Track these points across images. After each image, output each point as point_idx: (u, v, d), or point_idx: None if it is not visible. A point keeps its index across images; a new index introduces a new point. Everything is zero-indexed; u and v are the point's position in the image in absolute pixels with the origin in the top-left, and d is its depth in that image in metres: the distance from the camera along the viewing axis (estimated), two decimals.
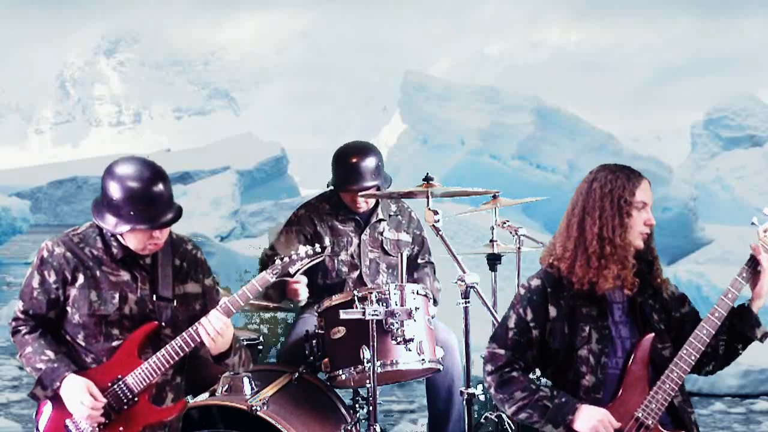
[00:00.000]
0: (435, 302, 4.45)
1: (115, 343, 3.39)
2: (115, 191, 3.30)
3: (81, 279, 3.38)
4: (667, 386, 3.14)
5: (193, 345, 3.37)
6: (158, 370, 3.36)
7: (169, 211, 3.34)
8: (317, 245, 3.49)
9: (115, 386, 3.35)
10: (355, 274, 4.59)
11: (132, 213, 3.28)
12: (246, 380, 3.98)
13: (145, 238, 3.34)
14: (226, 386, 3.98)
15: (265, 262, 4.58)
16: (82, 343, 3.40)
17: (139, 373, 3.35)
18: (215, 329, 3.33)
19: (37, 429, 3.43)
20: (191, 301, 3.50)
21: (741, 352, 3.30)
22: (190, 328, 3.37)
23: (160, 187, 3.32)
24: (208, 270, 3.59)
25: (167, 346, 3.37)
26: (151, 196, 3.29)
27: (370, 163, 4.56)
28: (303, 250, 3.47)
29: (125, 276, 3.41)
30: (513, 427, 4.43)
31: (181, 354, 3.37)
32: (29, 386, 3.44)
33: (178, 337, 3.37)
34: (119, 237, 3.38)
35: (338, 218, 4.64)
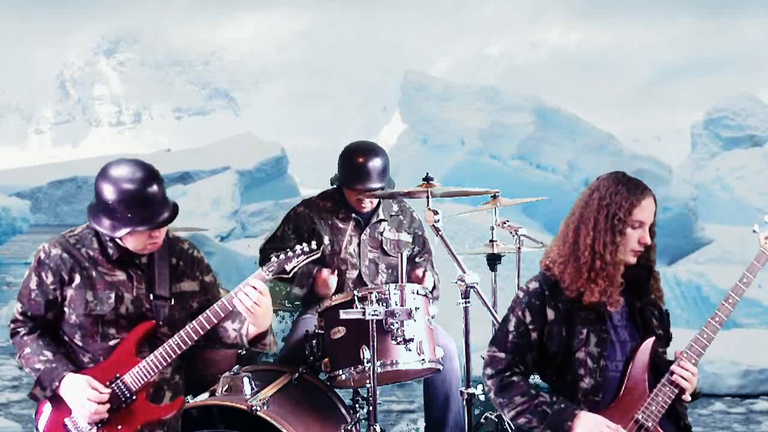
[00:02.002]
0: (434, 287, 4.49)
1: (112, 343, 3.39)
2: (109, 194, 3.30)
3: (77, 279, 3.39)
4: (668, 389, 3.15)
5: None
6: (157, 367, 3.36)
7: (165, 210, 3.34)
8: (313, 243, 3.47)
9: (113, 385, 3.35)
10: (355, 273, 4.59)
11: (129, 215, 3.28)
12: (246, 380, 3.98)
13: (144, 238, 3.35)
14: (226, 386, 3.98)
15: (263, 256, 4.56)
16: (80, 343, 3.41)
17: (137, 372, 3.36)
18: (252, 300, 3.31)
19: (37, 429, 3.44)
20: (188, 300, 3.51)
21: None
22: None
23: (155, 187, 3.32)
24: (207, 267, 3.59)
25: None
26: (145, 197, 3.29)
27: (377, 164, 4.55)
28: (299, 247, 3.46)
29: (121, 276, 3.42)
30: (513, 428, 4.43)
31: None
32: (29, 386, 3.44)
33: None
34: (117, 239, 3.39)
35: (338, 217, 4.64)
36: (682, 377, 3.16)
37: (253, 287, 3.33)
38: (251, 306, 3.33)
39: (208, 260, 3.67)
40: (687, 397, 3.20)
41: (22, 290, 3.45)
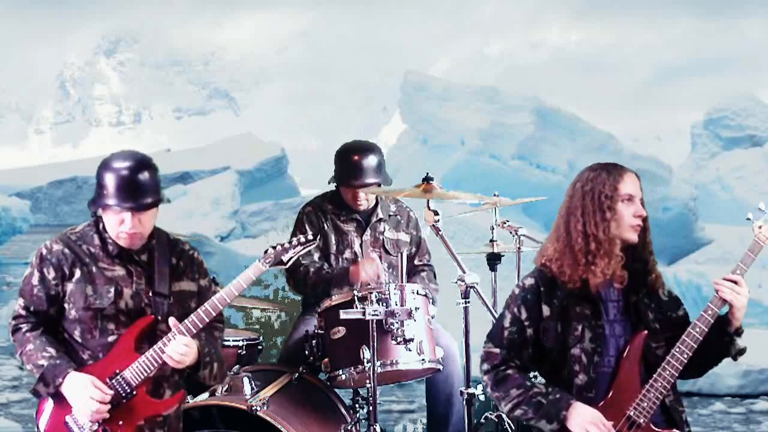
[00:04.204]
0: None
1: (110, 338, 3.41)
2: (102, 173, 3.38)
3: (78, 274, 3.42)
4: (659, 384, 3.15)
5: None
6: (156, 362, 3.38)
7: (145, 197, 3.37)
8: (309, 233, 3.51)
9: (113, 381, 3.37)
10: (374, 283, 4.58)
11: (109, 192, 3.34)
12: (246, 380, 3.98)
13: (117, 222, 3.38)
14: (226, 386, 3.99)
15: (293, 267, 4.22)
16: (79, 339, 3.42)
17: (137, 367, 3.38)
18: (178, 353, 3.36)
19: (38, 427, 3.45)
20: (186, 299, 3.52)
21: (713, 366, 3.33)
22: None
23: (145, 174, 3.37)
24: (205, 271, 3.62)
25: (159, 342, 3.39)
26: (132, 180, 3.34)
27: (372, 161, 4.58)
28: (295, 238, 3.51)
29: (120, 271, 3.45)
30: (513, 427, 4.43)
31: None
32: (29, 386, 3.45)
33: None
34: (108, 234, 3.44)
35: (340, 218, 4.65)
36: (726, 288, 3.16)
37: (185, 345, 3.36)
38: (179, 359, 3.36)
39: (209, 260, 3.69)
40: (736, 321, 3.20)
41: (24, 286, 3.46)
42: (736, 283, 3.19)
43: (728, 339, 3.25)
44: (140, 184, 3.35)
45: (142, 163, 3.40)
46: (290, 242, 3.49)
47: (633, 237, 3.20)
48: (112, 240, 3.44)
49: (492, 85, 21.15)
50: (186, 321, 3.39)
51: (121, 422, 3.37)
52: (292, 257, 3.48)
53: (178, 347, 3.36)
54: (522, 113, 19.39)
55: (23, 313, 3.46)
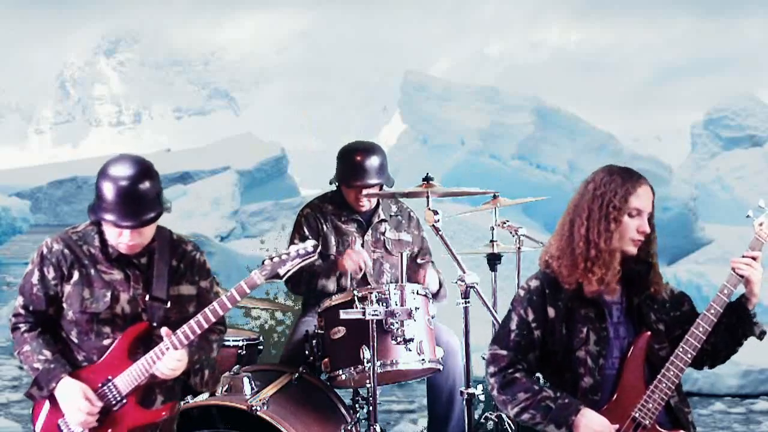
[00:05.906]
0: (440, 287, 4.46)
1: (105, 342, 3.39)
2: (100, 184, 3.32)
3: (76, 276, 3.40)
4: (664, 385, 3.14)
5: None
6: (145, 374, 3.36)
7: (145, 212, 3.29)
8: (308, 245, 3.42)
9: (105, 387, 3.36)
10: (359, 274, 4.58)
11: (108, 206, 3.28)
12: (246, 380, 3.98)
13: (115, 234, 3.34)
14: (226, 386, 3.98)
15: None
16: (75, 340, 3.42)
17: (128, 375, 3.36)
18: (169, 368, 3.34)
19: (34, 427, 3.45)
20: (185, 303, 3.49)
21: (738, 349, 3.30)
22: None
23: (145, 185, 3.29)
24: (207, 272, 3.56)
25: (151, 351, 3.36)
26: (130, 194, 3.27)
27: (374, 161, 4.57)
28: (294, 249, 3.40)
29: (118, 275, 3.42)
30: (513, 428, 4.43)
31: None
32: (29, 386, 3.45)
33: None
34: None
35: (341, 219, 4.64)
36: (743, 264, 3.14)
37: (177, 359, 3.33)
38: (170, 373, 3.35)
39: (208, 260, 3.66)
40: (755, 297, 3.17)
41: (24, 284, 3.45)
42: (754, 259, 3.16)
43: (750, 319, 3.23)
44: (140, 198, 3.27)
45: (142, 172, 3.30)
46: (288, 254, 3.38)
47: (633, 250, 3.17)
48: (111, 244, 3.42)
49: (492, 85, 21.11)
50: (178, 332, 3.34)
51: (110, 430, 3.36)
52: (289, 270, 3.37)
53: (170, 362, 3.33)
54: (522, 113, 19.36)
55: (22, 312, 3.46)
